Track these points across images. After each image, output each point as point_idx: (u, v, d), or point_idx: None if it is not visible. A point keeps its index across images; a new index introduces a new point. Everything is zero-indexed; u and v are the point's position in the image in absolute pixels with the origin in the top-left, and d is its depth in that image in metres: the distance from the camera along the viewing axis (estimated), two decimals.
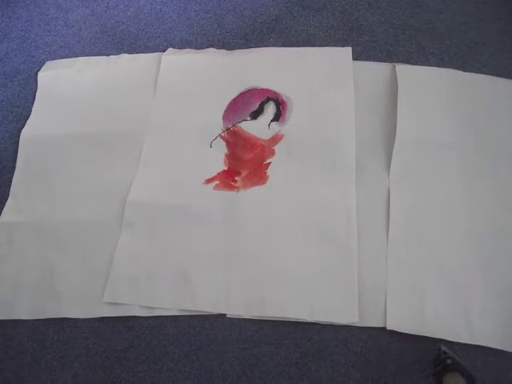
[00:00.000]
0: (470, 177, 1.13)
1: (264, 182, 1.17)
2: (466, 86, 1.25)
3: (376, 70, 1.29)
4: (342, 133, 1.20)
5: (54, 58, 1.45)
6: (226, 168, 1.20)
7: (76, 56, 1.44)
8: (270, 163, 1.19)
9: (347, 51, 1.31)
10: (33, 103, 1.36)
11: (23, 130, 1.31)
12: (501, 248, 1.06)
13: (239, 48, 1.39)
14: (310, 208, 1.12)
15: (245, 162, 1.20)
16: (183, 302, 1.05)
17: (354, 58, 1.30)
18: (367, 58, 1.32)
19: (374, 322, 1.01)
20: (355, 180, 1.14)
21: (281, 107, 1.26)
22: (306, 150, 1.19)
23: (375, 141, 1.20)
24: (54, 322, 1.08)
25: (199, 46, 1.41)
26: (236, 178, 1.18)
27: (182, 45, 1.42)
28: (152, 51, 1.41)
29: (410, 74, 1.26)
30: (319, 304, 1.02)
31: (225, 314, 1.04)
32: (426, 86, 1.25)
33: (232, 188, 1.17)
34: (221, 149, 1.22)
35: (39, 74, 1.41)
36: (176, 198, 1.16)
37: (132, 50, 1.43)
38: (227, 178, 1.18)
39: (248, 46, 1.39)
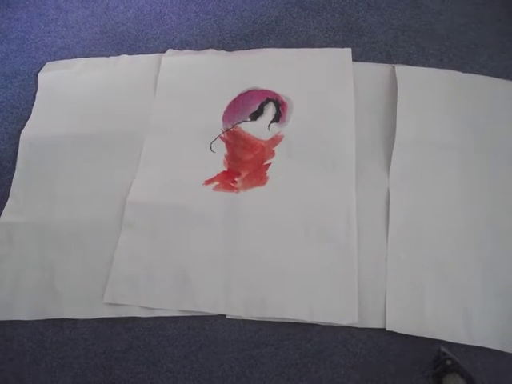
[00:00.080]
0: (470, 177, 1.13)
1: (264, 183, 1.17)
2: (466, 87, 1.25)
3: (376, 71, 1.29)
4: (341, 133, 1.20)
5: (54, 59, 1.45)
6: (225, 169, 1.20)
7: (76, 57, 1.44)
8: (269, 164, 1.19)
9: (347, 52, 1.31)
10: (33, 104, 1.36)
11: (23, 131, 1.31)
12: (500, 248, 1.06)
13: (239, 49, 1.39)
14: (309, 209, 1.12)
15: (245, 163, 1.20)
16: (183, 303, 1.05)
17: (353, 59, 1.30)
18: (367, 59, 1.33)
19: (373, 322, 1.01)
20: (355, 180, 1.14)
21: (281, 108, 1.26)
22: (305, 151, 1.19)
23: (375, 141, 1.20)
24: (53, 323, 1.08)
25: (199, 47, 1.42)
26: (236, 179, 1.18)
27: (181, 46, 1.42)
28: (152, 52, 1.41)
29: (409, 75, 1.26)
30: (319, 305, 1.02)
31: (224, 315, 1.05)
32: (425, 86, 1.25)
33: (232, 189, 1.17)
34: (221, 150, 1.23)
35: (39, 74, 1.41)
36: (176, 199, 1.16)
37: (132, 51, 1.43)
38: (227, 179, 1.18)
39: (248, 47, 1.39)
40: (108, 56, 1.42)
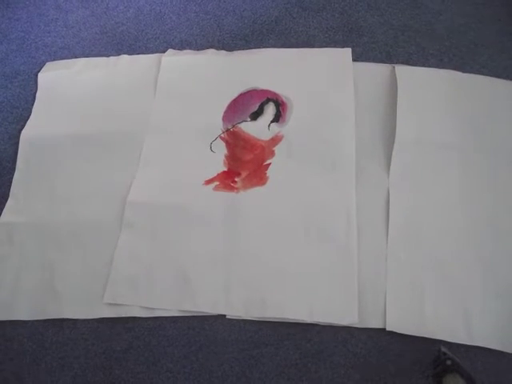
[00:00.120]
0: (470, 177, 1.13)
1: (264, 183, 1.17)
2: (466, 87, 1.25)
3: (376, 71, 1.29)
4: (341, 133, 1.20)
5: (54, 59, 1.45)
6: (225, 169, 1.20)
7: (76, 57, 1.44)
8: (269, 164, 1.19)
9: (347, 52, 1.31)
10: (33, 104, 1.36)
11: (23, 131, 1.31)
12: (500, 248, 1.06)
13: (239, 49, 1.39)
14: (309, 209, 1.12)
15: (245, 163, 1.20)
16: (183, 303, 1.05)
17: (353, 59, 1.30)
18: (367, 59, 1.33)
19: (373, 322, 1.01)
20: (355, 180, 1.14)
21: (281, 108, 1.26)
22: (305, 151, 1.19)
23: (375, 141, 1.20)
24: (53, 323, 1.08)
25: (199, 47, 1.41)
26: (236, 179, 1.18)
27: (181, 46, 1.42)
28: (152, 52, 1.41)
29: (409, 75, 1.26)
30: (319, 305, 1.02)
31: (224, 315, 1.04)
32: (425, 86, 1.25)
33: (232, 189, 1.17)
34: (221, 150, 1.23)
35: (39, 74, 1.41)
36: (176, 199, 1.16)
37: (132, 51, 1.43)
38: (227, 179, 1.18)
39: (248, 47, 1.39)
40: (108, 56, 1.42)
